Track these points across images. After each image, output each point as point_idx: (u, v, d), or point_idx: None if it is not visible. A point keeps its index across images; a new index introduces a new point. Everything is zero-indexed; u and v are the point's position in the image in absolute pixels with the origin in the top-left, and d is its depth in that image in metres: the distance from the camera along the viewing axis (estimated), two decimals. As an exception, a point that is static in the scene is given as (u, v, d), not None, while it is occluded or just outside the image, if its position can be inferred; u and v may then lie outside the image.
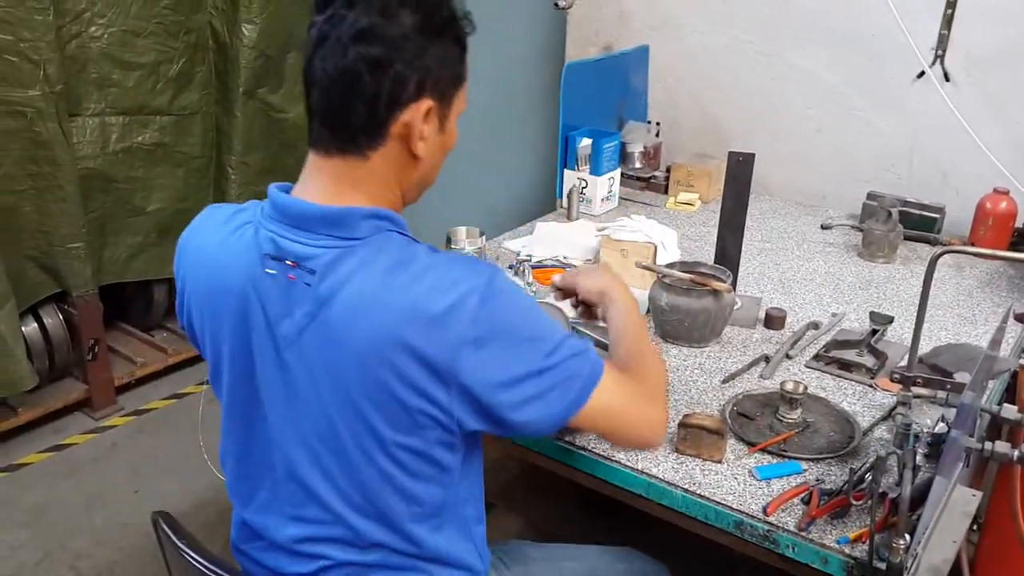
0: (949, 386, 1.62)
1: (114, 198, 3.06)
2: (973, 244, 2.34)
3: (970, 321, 1.99)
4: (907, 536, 1.21)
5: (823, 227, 2.54)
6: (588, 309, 1.53)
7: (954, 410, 1.56)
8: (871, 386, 1.72)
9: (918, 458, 1.35)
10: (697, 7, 2.87)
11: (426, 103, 1.13)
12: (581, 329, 1.68)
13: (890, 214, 2.28)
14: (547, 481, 2.19)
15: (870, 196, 2.48)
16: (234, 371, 1.22)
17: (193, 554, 1.26)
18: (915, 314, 1.84)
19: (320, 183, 1.15)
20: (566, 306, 1.61)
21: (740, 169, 1.91)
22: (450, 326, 1.06)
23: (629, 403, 1.22)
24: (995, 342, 1.48)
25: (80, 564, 2.47)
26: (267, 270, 1.13)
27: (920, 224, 2.45)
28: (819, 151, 2.76)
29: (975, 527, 2.17)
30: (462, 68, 1.19)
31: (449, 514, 1.24)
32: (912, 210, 2.45)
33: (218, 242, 1.20)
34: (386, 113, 1.11)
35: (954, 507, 1.45)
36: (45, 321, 2.99)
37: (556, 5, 2.97)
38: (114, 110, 2.98)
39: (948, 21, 2.44)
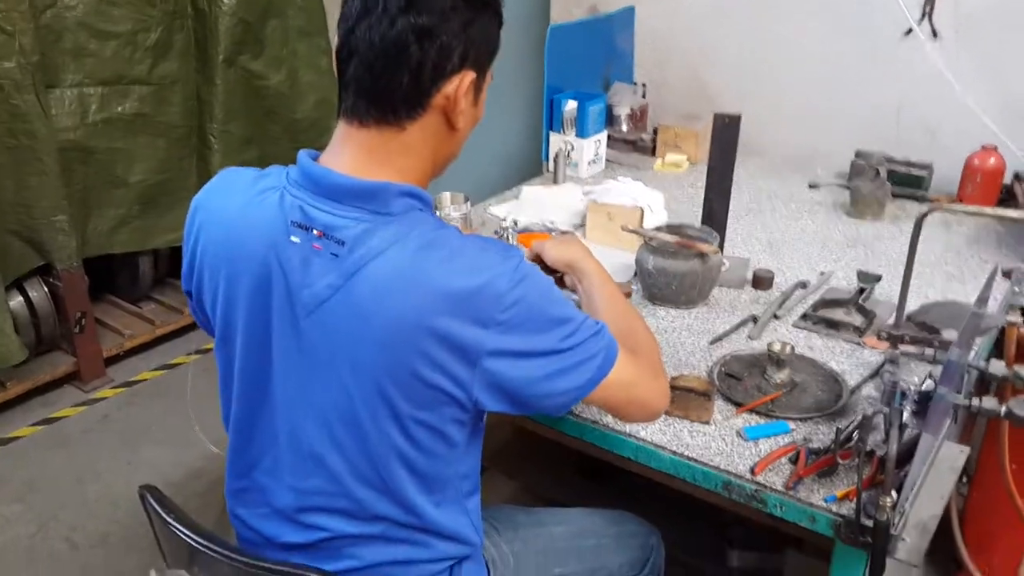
0: (936, 343, 1.63)
1: (95, 170, 3.02)
2: (961, 201, 2.34)
3: (958, 279, 1.99)
4: (894, 493, 1.21)
5: (811, 186, 2.54)
6: (558, 279, 1.53)
7: (941, 367, 1.56)
8: (859, 344, 1.72)
9: (905, 416, 1.36)
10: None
11: (469, 75, 1.14)
12: None
13: (877, 172, 2.27)
14: (541, 445, 2.20)
15: (858, 154, 2.46)
16: (248, 337, 1.21)
17: (182, 527, 1.25)
18: (903, 272, 1.85)
19: (351, 154, 1.15)
20: None
21: (726, 131, 1.89)
22: (479, 308, 1.07)
23: (638, 377, 1.24)
24: (982, 299, 1.48)
25: (74, 536, 2.47)
26: (292, 238, 1.13)
27: (908, 182, 2.44)
28: (807, 110, 2.75)
29: (964, 480, 2.19)
30: (498, 42, 1.20)
31: (449, 489, 1.25)
32: (899, 168, 2.44)
33: (239, 206, 1.19)
34: (430, 83, 1.12)
35: (941, 463, 1.45)
36: (31, 294, 2.97)
37: (539, -35, 2.93)
38: (92, 80, 2.94)
39: (936, -24, 2.42)
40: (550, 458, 2.37)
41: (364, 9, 1.10)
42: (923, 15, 2.45)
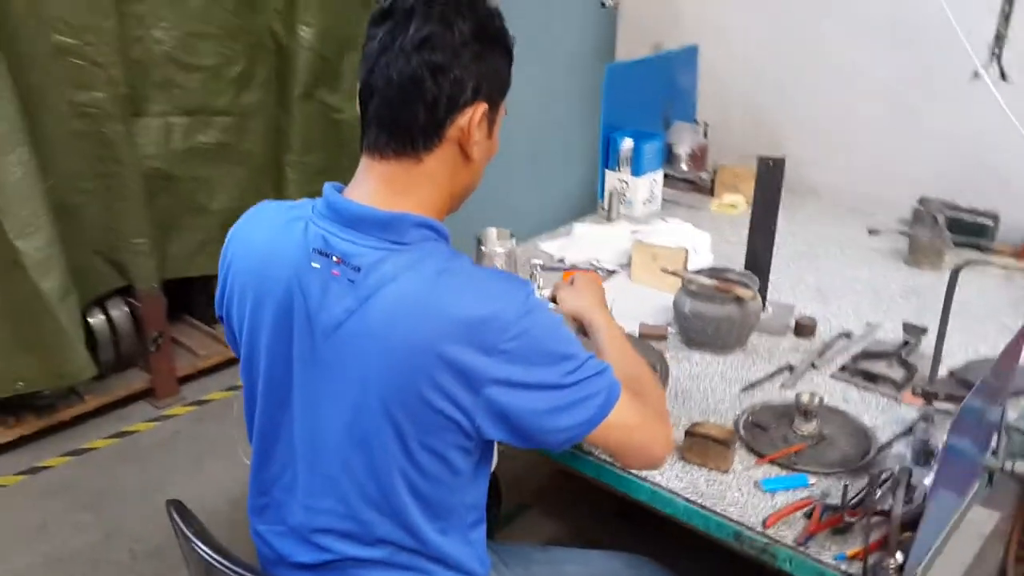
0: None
1: (177, 196, 3.17)
2: (1026, 252, 2.26)
3: (1012, 332, 1.91)
4: (899, 555, 1.19)
5: (870, 232, 2.48)
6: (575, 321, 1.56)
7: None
8: (896, 400, 1.68)
9: (929, 478, 1.32)
10: (749, 6, 2.83)
11: (481, 107, 1.21)
12: None
13: (935, 219, 2.21)
14: (582, 485, 2.20)
15: (920, 201, 2.40)
16: (271, 358, 1.28)
17: (199, 543, 1.31)
18: (957, 325, 1.81)
19: (372, 186, 1.22)
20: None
21: (770, 174, 1.88)
22: (485, 336, 1.12)
23: (640, 421, 1.26)
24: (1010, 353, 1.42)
25: (136, 547, 2.58)
26: (313, 264, 1.20)
27: (972, 231, 2.37)
28: (871, 154, 2.69)
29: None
30: (509, 77, 1.27)
31: (454, 518, 1.28)
32: (964, 216, 2.38)
33: (269, 235, 1.27)
34: (444, 116, 1.19)
35: (968, 527, 1.41)
36: (111, 313, 3.12)
37: (602, 4, 2.96)
38: (177, 110, 3.08)
39: (1006, 17, 2.35)
40: (590, 498, 2.37)
41: (382, 49, 1.17)
42: (992, 56, 2.38)
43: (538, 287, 1.62)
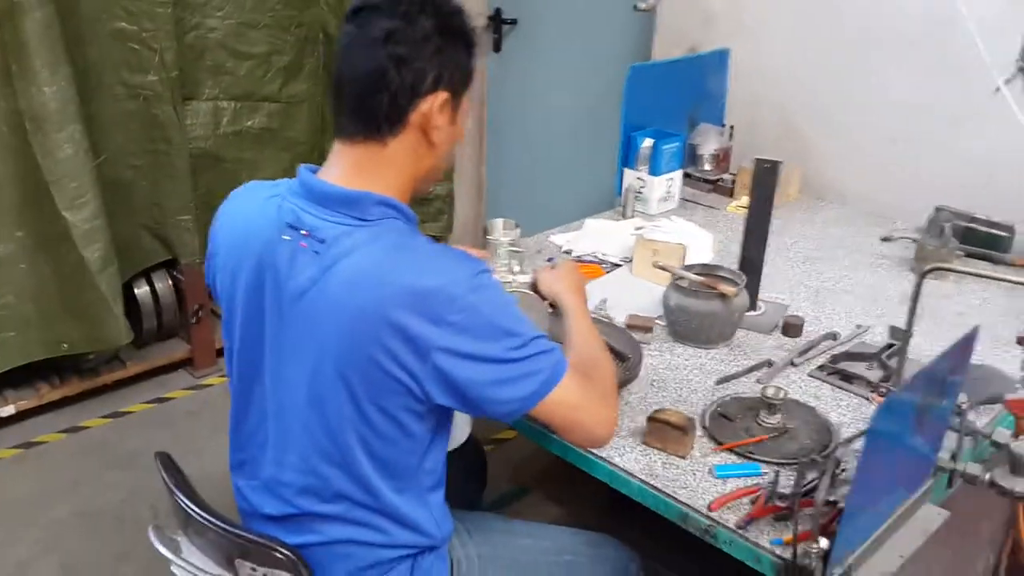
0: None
1: (222, 177, 3.31)
2: (1040, 265, 2.24)
3: (1005, 344, 1.92)
4: (823, 540, 1.22)
5: (884, 239, 2.48)
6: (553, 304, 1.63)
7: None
8: (867, 399, 1.70)
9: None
10: (782, 14, 2.85)
11: (442, 95, 1.30)
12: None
13: (943, 229, 2.21)
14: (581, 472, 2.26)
15: (937, 210, 2.40)
16: (245, 323, 1.39)
17: (179, 494, 1.43)
18: (952, 334, 1.83)
19: (341, 167, 1.32)
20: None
21: (765, 176, 1.91)
22: (434, 307, 1.20)
23: (584, 401, 1.34)
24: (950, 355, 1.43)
25: (158, 505, 2.71)
26: (283, 236, 1.30)
27: (987, 242, 2.35)
28: (894, 162, 2.69)
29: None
30: (471, 70, 1.36)
31: (411, 479, 1.37)
32: (979, 227, 2.36)
33: (248, 212, 1.39)
34: (407, 103, 1.28)
35: (915, 523, 1.43)
36: (156, 285, 3.30)
37: (635, 7, 3.01)
38: (226, 96, 3.23)
39: (1033, 32, 2.34)
40: (592, 486, 2.42)
41: (351, 43, 1.29)
42: (1017, 71, 2.37)
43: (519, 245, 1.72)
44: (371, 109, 1.28)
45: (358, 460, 1.32)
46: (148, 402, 3.26)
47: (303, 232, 1.29)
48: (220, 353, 3.51)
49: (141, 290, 3.26)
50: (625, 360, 1.74)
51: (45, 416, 3.11)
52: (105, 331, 2.91)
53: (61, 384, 3.13)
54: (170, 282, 3.33)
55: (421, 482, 1.38)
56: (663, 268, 1.95)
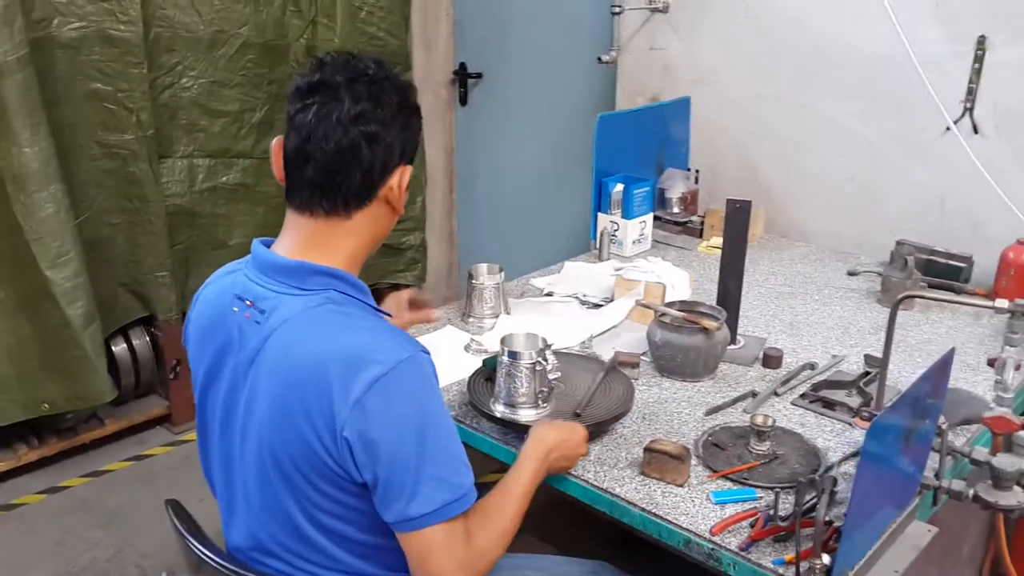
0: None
1: (199, 232, 3.36)
2: (996, 295, 2.36)
3: (972, 368, 2.02)
4: (825, 557, 1.29)
5: (850, 273, 2.60)
6: None
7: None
8: (850, 424, 1.79)
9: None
10: (737, 61, 2.98)
11: (407, 168, 1.38)
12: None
13: (906, 262, 2.33)
14: (574, 509, 2.29)
15: (898, 244, 2.52)
16: (211, 394, 1.43)
17: (189, 537, 1.45)
18: (920, 361, 1.92)
19: (292, 238, 1.37)
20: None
21: (737, 215, 2.01)
22: (350, 384, 1.23)
23: (446, 558, 1.29)
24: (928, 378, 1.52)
25: (144, 563, 2.72)
26: (233, 308, 1.35)
27: (947, 273, 2.47)
28: (852, 200, 2.82)
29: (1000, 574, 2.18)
30: (419, 138, 1.44)
31: (376, 550, 1.38)
32: (939, 259, 2.48)
33: (214, 289, 1.44)
34: (379, 179, 1.35)
35: (904, 540, 1.51)
36: (133, 342, 3.31)
37: (599, 59, 3.14)
38: (201, 153, 3.29)
39: (977, 74, 2.49)
40: (582, 523, 2.47)
41: (318, 121, 1.31)
42: (964, 111, 2.51)
43: (545, 360, 1.72)
44: (339, 186, 1.32)
45: (308, 532, 1.35)
46: (127, 460, 3.25)
47: (247, 303, 1.34)
48: (198, 408, 3.50)
49: (119, 347, 3.26)
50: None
51: (24, 477, 3.09)
52: (89, 389, 2.91)
53: (40, 444, 3.11)
54: (147, 338, 3.34)
55: (389, 556, 1.38)
56: (646, 306, 2.03)
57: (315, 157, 1.31)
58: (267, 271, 1.34)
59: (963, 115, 2.53)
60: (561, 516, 2.57)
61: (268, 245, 1.39)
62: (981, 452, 1.58)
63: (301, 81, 1.35)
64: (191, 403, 3.45)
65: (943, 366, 1.45)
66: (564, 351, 2.02)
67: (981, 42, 2.45)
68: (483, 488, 1.37)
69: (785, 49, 2.87)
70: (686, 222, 2.92)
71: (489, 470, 1.73)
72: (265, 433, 1.30)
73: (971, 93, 2.51)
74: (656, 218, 2.86)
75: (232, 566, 1.38)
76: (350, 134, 1.30)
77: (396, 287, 4.09)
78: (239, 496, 1.43)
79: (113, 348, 3.22)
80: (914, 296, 1.53)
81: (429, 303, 1.99)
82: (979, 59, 2.47)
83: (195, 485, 3.10)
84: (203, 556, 1.41)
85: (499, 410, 1.71)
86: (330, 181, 1.32)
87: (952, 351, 1.45)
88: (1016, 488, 1.47)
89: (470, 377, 1.83)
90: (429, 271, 4.11)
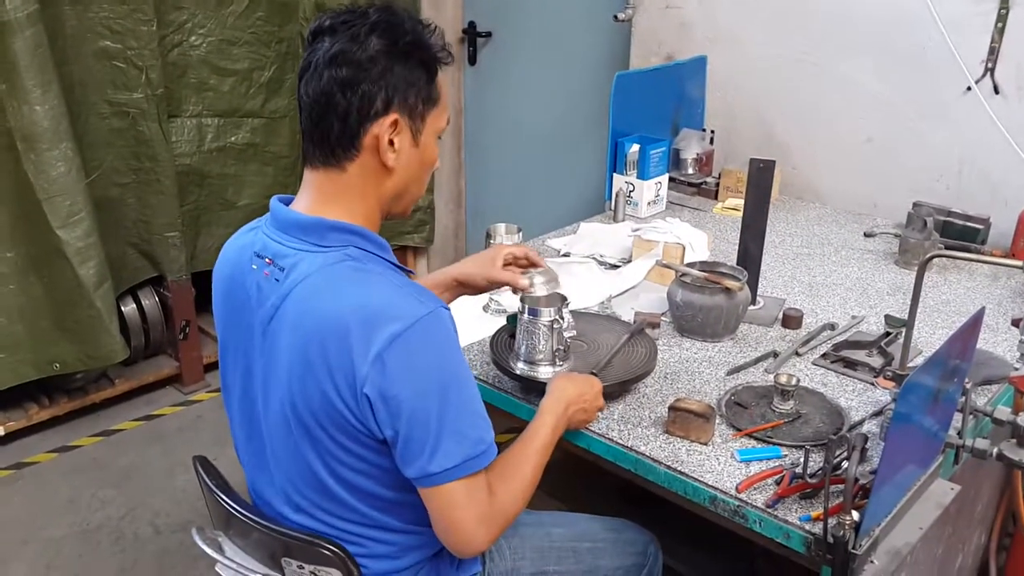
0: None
1: (208, 192, 3.34)
2: (1014, 256, 2.35)
3: (992, 329, 2.01)
4: (855, 513, 1.29)
5: (866, 235, 2.59)
6: None
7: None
8: (872, 384, 1.78)
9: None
10: (755, 20, 2.95)
11: (392, 117, 1.28)
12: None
13: (925, 223, 2.32)
14: (589, 468, 2.30)
15: (915, 206, 2.51)
16: (233, 350, 1.42)
17: (220, 494, 1.45)
18: (940, 321, 1.90)
19: (307, 195, 1.33)
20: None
21: (761, 175, 1.99)
22: (371, 340, 1.21)
23: (468, 512, 1.29)
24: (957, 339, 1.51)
25: (158, 521, 2.73)
26: (252, 265, 1.33)
27: (963, 235, 2.46)
28: (870, 161, 2.79)
29: (1009, 535, 2.19)
30: (431, 89, 1.34)
31: (398, 505, 1.38)
32: (956, 220, 2.47)
33: (234, 245, 1.43)
34: (357, 127, 1.27)
35: (928, 498, 1.51)
36: (143, 302, 3.30)
37: (615, 17, 3.09)
38: (210, 112, 3.26)
39: (1000, 33, 2.45)
40: (596, 481, 2.47)
41: (303, 68, 1.29)
42: (985, 71, 2.48)
43: (562, 319, 1.71)
44: (323, 134, 1.28)
45: (331, 486, 1.34)
46: (137, 419, 3.25)
47: (267, 260, 1.31)
48: (208, 368, 3.51)
49: (128, 307, 3.25)
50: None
51: (35, 436, 3.09)
52: (101, 349, 2.91)
53: (50, 404, 3.11)
54: (157, 299, 3.33)
55: (412, 511, 1.37)
56: (667, 266, 2.02)
57: (303, 105, 1.29)
58: (286, 228, 1.32)
59: (984, 75, 2.50)
60: (567, 473, 2.59)
61: (287, 203, 1.36)
62: (1004, 411, 1.58)
63: (309, 29, 1.33)
64: (200, 363, 3.49)
65: (973, 326, 1.44)
66: (584, 311, 2.01)
67: (1005, 1, 2.42)
68: (500, 447, 1.36)
69: (803, 8, 2.83)
70: (701, 183, 2.90)
71: (503, 428, 1.73)
72: (287, 390, 1.29)
73: (993, 53, 2.48)
74: (671, 179, 2.84)
75: (262, 520, 1.38)
76: (323, 79, 1.25)
77: (404, 249, 4.08)
78: (265, 452, 1.43)
79: (123, 308, 3.21)
80: (940, 255, 1.52)
81: (537, 263, 1.77)
82: (1002, 18, 2.44)
83: (205, 445, 3.14)
84: (233, 511, 1.40)
85: (519, 367, 1.71)
86: (317, 129, 1.28)
87: (982, 310, 1.45)
88: (1040, 446, 1.47)
89: (493, 335, 1.82)
90: (436, 232, 4.09)
